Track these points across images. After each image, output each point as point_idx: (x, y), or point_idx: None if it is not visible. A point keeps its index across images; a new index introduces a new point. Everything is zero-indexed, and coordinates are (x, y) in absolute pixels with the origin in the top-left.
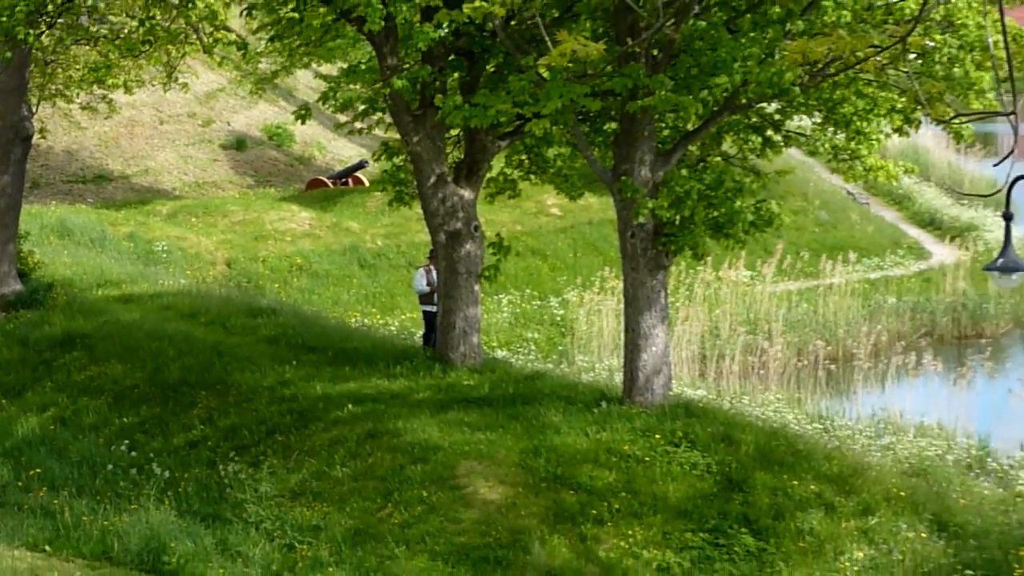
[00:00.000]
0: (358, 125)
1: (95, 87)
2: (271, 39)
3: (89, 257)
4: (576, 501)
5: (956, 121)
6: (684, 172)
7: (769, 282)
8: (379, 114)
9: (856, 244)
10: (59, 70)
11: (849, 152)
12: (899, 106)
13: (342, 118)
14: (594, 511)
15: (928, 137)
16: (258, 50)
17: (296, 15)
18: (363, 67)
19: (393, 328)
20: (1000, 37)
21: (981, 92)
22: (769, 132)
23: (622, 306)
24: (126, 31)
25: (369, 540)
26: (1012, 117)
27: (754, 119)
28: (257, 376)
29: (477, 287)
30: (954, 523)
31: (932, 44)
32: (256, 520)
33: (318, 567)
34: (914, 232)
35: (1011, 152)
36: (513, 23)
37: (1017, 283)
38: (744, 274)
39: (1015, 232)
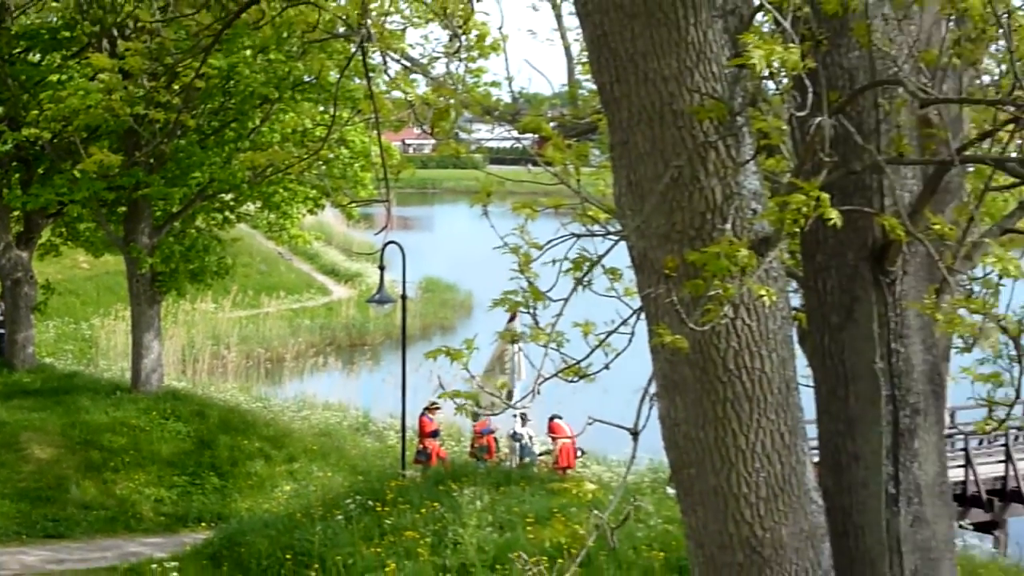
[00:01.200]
0: None
1: None
2: None
3: None
4: (100, 457)
5: (348, 205)
6: (171, 239)
7: (228, 311)
8: None
9: (284, 286)
10: None
11: (279, 226)
12: (312, 195)
13: None
14: (112, 464)
15: (330, 215)
16: None
17: None
18: None
19: None
20: (377, 148)
21: (364, 186)
22: (227, 213)
23: (130, 328)
24: None
25: None
26: (386, 204)
27: (217, 204)
28: None
29: (32, 316)
30: (349, 466)
31: (333, 156)
32: None
33: None
34: (321, 278)
35: (385, 227)
36: (55, 141)
37: (387, 311)
38: (211, 306)
39: (386, 278)
